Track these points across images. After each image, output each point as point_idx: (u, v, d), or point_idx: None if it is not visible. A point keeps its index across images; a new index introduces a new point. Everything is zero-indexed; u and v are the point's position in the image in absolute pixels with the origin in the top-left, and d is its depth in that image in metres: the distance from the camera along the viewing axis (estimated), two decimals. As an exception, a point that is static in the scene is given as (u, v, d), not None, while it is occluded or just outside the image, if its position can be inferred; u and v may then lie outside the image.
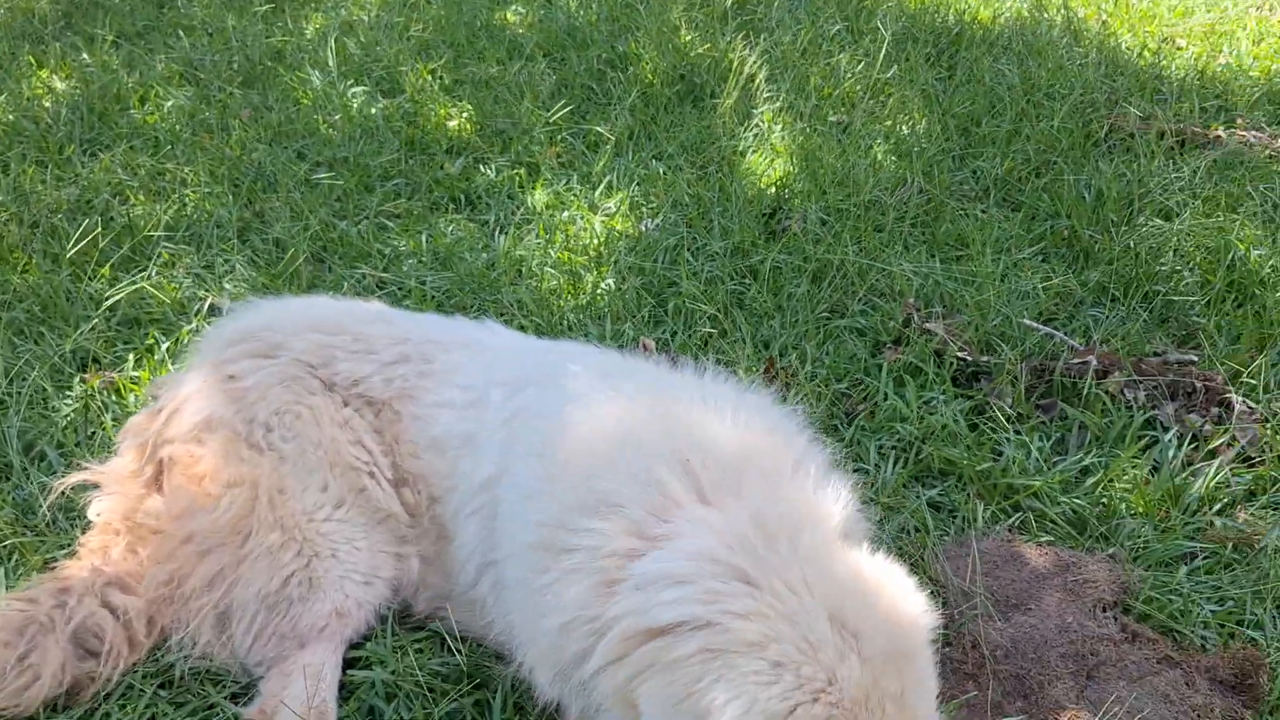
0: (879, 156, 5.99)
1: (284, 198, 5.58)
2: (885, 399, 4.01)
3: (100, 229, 5.10)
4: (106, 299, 4.63)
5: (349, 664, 3.01)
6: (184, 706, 2.90)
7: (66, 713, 2.87)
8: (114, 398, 4.13)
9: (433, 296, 4.78)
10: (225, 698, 2.93)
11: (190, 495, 3.13)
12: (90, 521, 3.35)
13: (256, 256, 5.17)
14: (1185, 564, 3.32)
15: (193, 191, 5.68)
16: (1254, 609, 3.12)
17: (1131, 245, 5.00)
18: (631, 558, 2.28)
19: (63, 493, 3.40)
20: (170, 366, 4.28)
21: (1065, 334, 4.40)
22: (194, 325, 4.58)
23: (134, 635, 3.01)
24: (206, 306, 4.70)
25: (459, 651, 2.96)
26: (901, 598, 2.24)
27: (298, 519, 3.07)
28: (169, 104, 6.73)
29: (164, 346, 4.35)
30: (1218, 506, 3.53)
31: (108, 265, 4.92)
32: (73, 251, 4.90)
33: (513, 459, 2.75)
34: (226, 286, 4.94)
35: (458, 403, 3.08)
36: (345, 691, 2.96)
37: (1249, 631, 3.06)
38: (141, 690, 2.91)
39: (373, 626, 3.08)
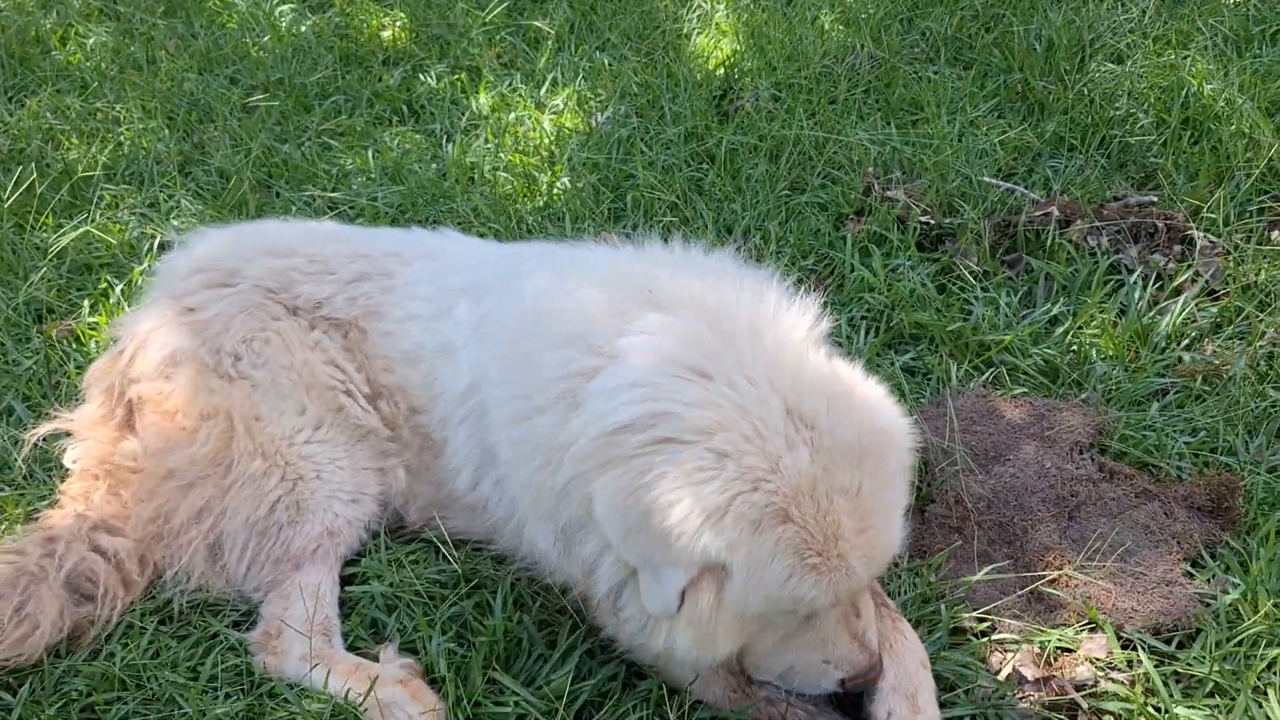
0: (826, 26, 5.88)
1: (221, 126, 5.42)
2: (852, 271, 4.00)
3: (37, 176, 4.94)
4: (53, 247, 4.51)
5: (346, 580, 3.04)
6: (187, 639, 2.91)
7: (71, 657, 2.87)
8: (74, 346, 4.06)
9: (385, 212, 4.69)
10: (227, 626, 2.95)
11: (165, 431, 3.11)
12: (67, 470, 3.32)
13: (201, 189, 5.04)
14: (1157, 400, 3.38)
15: (127, 129, 5.51)
16: (1226, 436, 3.18)
17: (1085, 92, 4.97)
18: (592, 375, 2.29)
19: (35, 444, 3.36)
20: (126, 309, 4.20)
21: (1025, 188, 4.40)
22: (146, 265, 4.48)
23: (127, 575, 3.01)
24: (156, 245, 4.59)
25: (454, 559, 2.98)
26: (872, 402, 2.25)
27: (278, 444, 3.05)
28: (91, 42, 6.48)
29: (118, 289, 4.26)
30: (1185, 342, 3.59)
31: (49, 213, 4.78)
32: (11, 201, 4.75)
33: (486, 364, 2.74)
34: (173, 223, 4.82)
35: (424, 314, 3.05)
36: (345, 607, 2.98)
37: (1222, 458, 3.13)
38: (143, 628, 2.92)
39: (365, 543, 3.09)
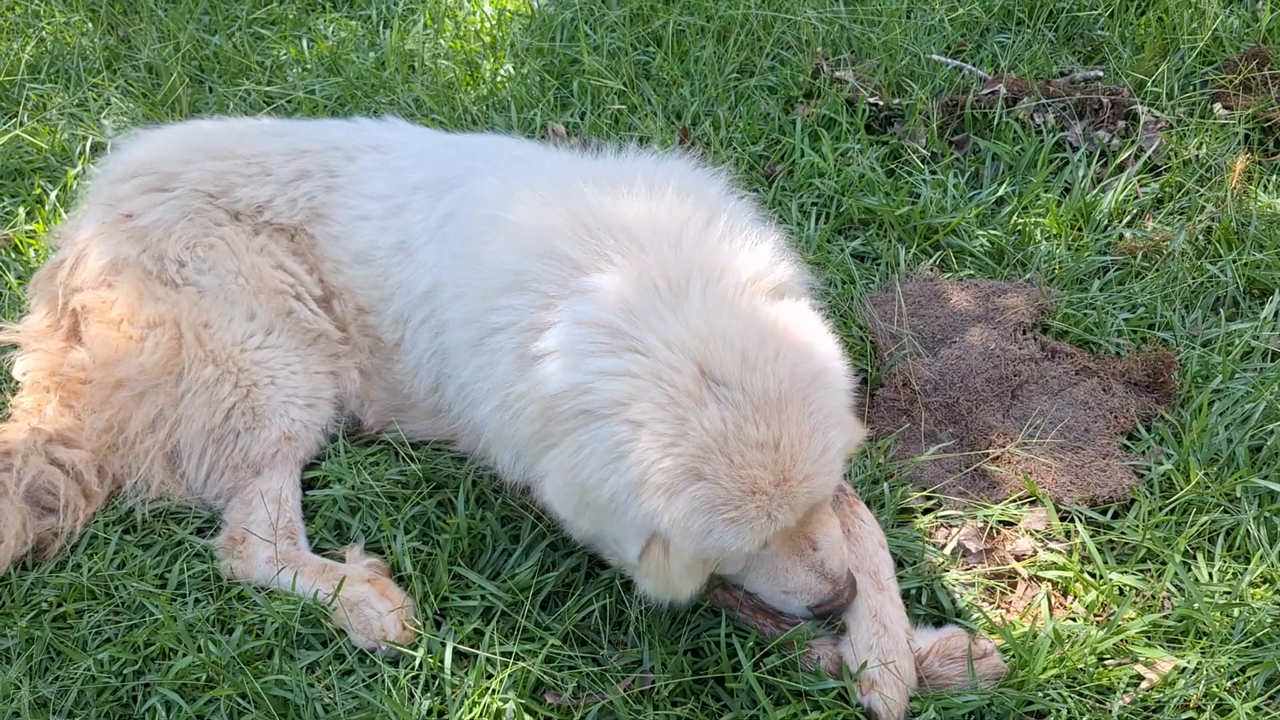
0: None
1: (147, 18, 5.19)
2: (802, 156, 3.99)
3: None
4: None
5: (308, 485, 3.07)
6: (152, 547, 2.94)
7: (37, 569, 2.90)
8: (13, 255, 3.95)
9: (325, 105, 4.56)
10: (191, 533, 2.98)
11: (112, 341, 3.07)
12: (17, 383, 3.28)
13: (131, 86, 4.86)
14: (1099, 278, 3.45)
15: (48, 24, 5.25)
16: (1164, 312, 3.27)
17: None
18: (541, 330, 2.30)
19: (-16, 359, 3.31)
20: (64, 215, 4.09)
21: (973, 65, 4.36)
22: (80, 169, 4.34)
23: (87, 486, 3.02)
24: (89, 147, 4.45)
25: (413, 459, 3.02)
26: (801, 347, 2.21)
27: (229, 350, 3.04)
28: (-2, -74, 6.10)
29: (53, 195, 4.13)
30: (1127, 219, 3.64)
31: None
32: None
33: (443, 266, 2.72)
34: (105, 122, 4.66)
35: (375, 213, 3.00)
36: (308, 511, 3.02)
37: (1160, 334, 3.22)
38: (107, 539, 2.94)
39: (324, 446, 3.12)
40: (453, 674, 2.50)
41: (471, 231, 2.64)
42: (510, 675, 2.44)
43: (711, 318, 2.18)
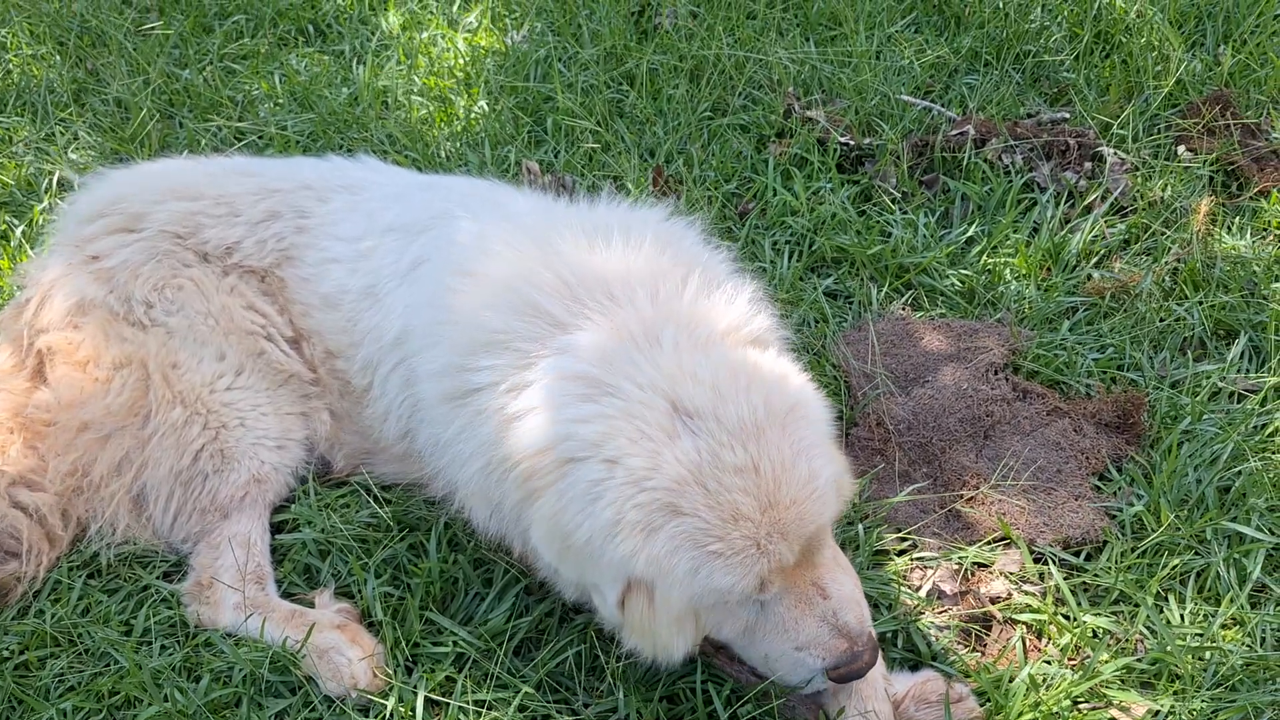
0: (743, -63, 5.76)
1: (116, 51, 5.16)
2: (774, 194, 4.01)
3: (-82, 109, 4.68)
4: (-57, 186, 4.30)
5: (276, 528, 3.03)
6: (117, 593, 2.88)
7: (-2, 616, 2.84)
8: (-25, 291, 3.89)
9: (296, 141, 4.55)
10: (157, 578, 2.92)
11: (78, 383, 3.03)
12: (-22, 424, 3.22)
13: (99, 120, 4.81)
14: (1068, 319, 3.49)
15: (14, 56, 5.21)
16: (1132, 352, 3.31)
17: (1000, 6, 4.98)
18: (522, 390, 2.27)
19: (-58, 399, 3.24)
20: (30, 252, 4.03)
21: (942, 106, 4.42)
22: (45, 204, 4.29)
23: (51, 531, 2.96)
24: (55, 181, 4.40)
25: (386, 502, 2.98)
26: (775, 380, 2.19)
27: (198, 391, 2.99)
28: (-35, -42, 6.05)
29: (18, 231, 4.08)
30: (1095, 260, 3.69)
31: (-66, 149, 4.54)
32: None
33: (414, 313, 2.70)
34: (72, 156, 4.61)
35: (345, 256, 2.98)
36: (277, 555, 2.98)
37: (1129, 374, 3.26)
38: (71, 584, 2.88)
39: (293, 489, 3.07)
40: (424, 723, 2.46)
41: (446, 281, 2.59)
42: (483, 725, 2.41)
43: (683, 359, 2.16)
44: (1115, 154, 4.01)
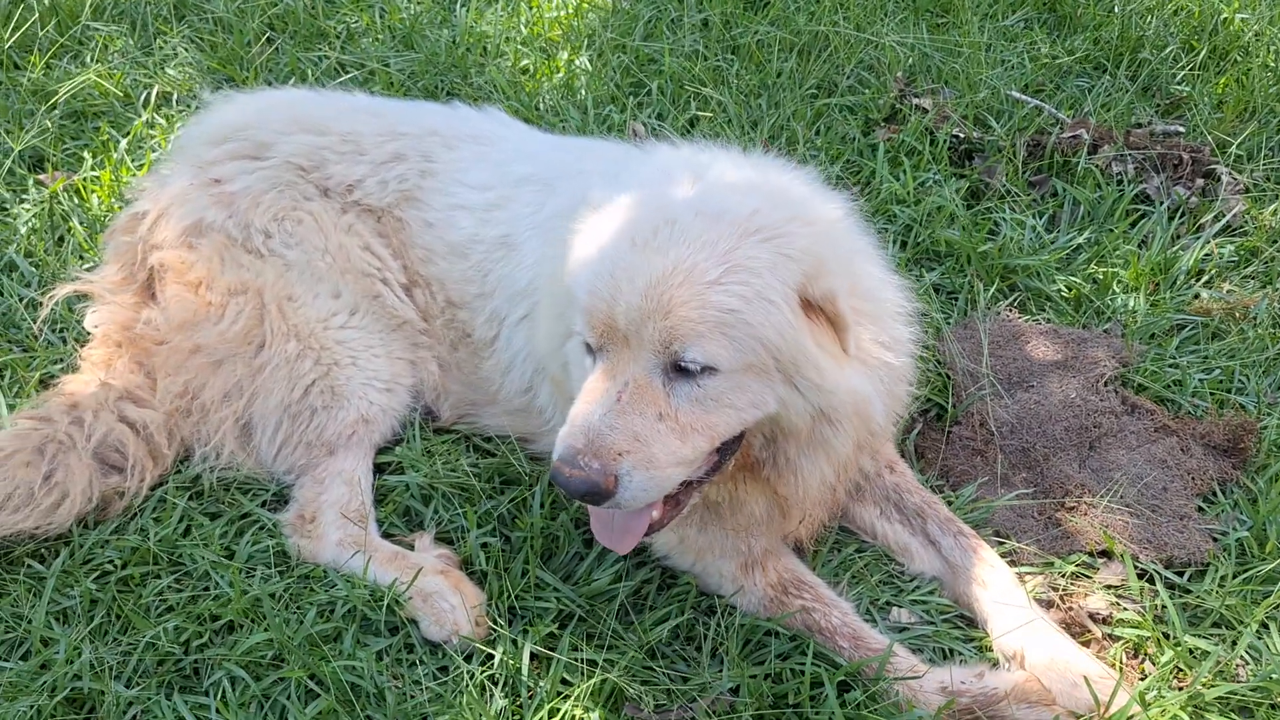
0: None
1: (220, -31, 5.11)
2: (882, 181, 3.97)
3: (24, 11, 4.65)
4: (56, 94, 4.28)
5: (379, 469, 3.04)
6: (220, 517, 2.91)
7: (98, 529, 2.86)
8: (76, 201, 3.89)
9: (399, 82, 4.51)
10: (259, 505, 2.95)
11: (189, 304, 3.03)
12: (82, 335, 3.24)
13: (199, 37, 4.79)
14: (1175, 336, 3.46)
15: (117, -35, 5.17)
16: (1242, 376, 3.28)
17: (1114, 9, 4.89)
18: None
19: (52, 307, 3.26)
20: (130, 165, 4.03)
21: (1052, 107, 4.36)
22: (146, 117, 4.28)
23: (156, 449, 2.98)
24: (154, 95, 4.39)
25: (488, 454, 2.99)
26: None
27: (312, 326, 3.00)
28: None
29: (122, 144, 4.07)
30: (1204, 279, 3.65)
31: (34, 51, 4.52)
32: (12, 41, 4.47)
33: (544, 262, 2.69)
34: (170, 72, 4.59)
35: (475, 204, 2.97)
36: (378, 495, 2.99)
37: (1238, 398, 3.23)
38: (175, 503, 2.91)
39: (398, 433, 3.09)
40: (527, 676, 2.48)
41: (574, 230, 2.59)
42: (592, 685, 2.42)
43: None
44: (1229, 174, 3.95)
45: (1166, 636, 2.63)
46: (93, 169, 3.99)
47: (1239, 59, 4.58)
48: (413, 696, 2.46)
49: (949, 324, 3.46)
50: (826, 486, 2.43)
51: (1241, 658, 2.58)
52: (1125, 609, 2.70)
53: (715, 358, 2.07)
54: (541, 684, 2.46)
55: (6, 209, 3.84)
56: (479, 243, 2.93)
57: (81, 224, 3.77)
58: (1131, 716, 2.38)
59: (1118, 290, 3.58)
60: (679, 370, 2.09)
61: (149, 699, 2.47)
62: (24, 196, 3.91)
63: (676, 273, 2.06)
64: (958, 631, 2.68)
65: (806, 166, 2.75)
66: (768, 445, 2.30)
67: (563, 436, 2.07)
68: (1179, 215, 3.86)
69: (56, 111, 4.27)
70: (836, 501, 2.73)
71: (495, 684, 2.48)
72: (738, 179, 2.32)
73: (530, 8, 5.00)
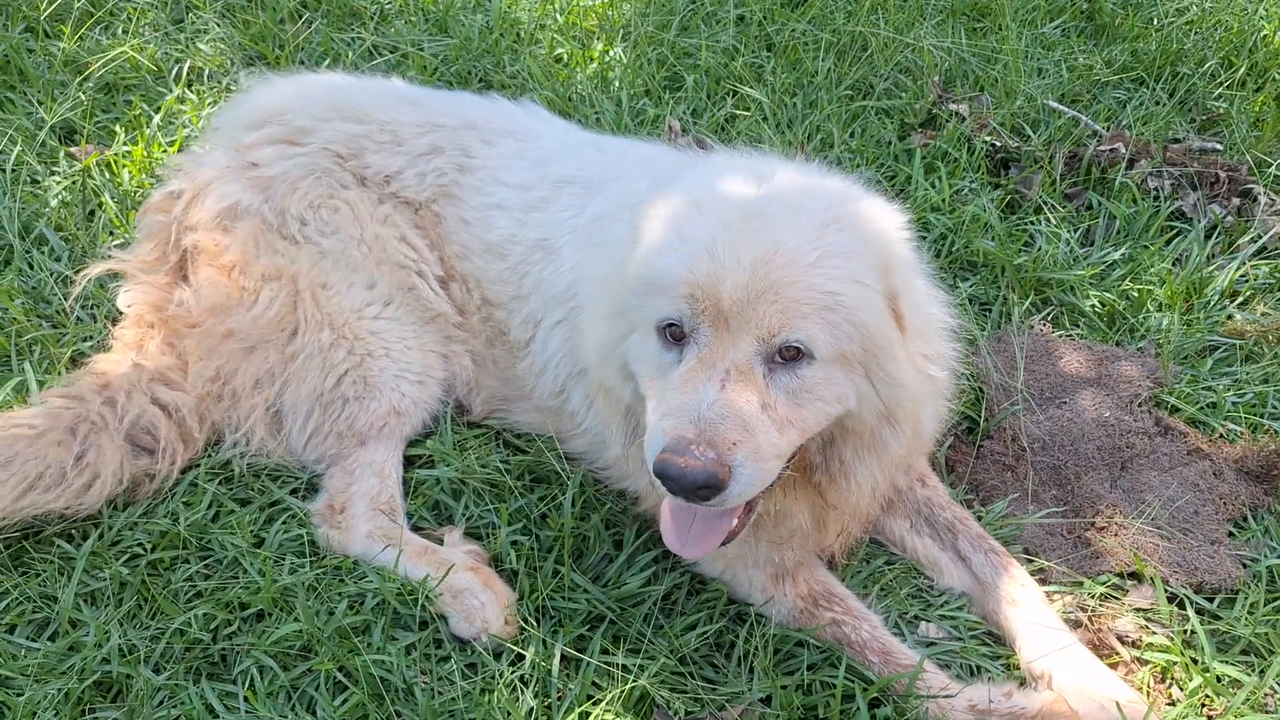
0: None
1: (253, -56, 5.07)
2: (917, 188, 3.95)
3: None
4: (88, 65, 4.25)
5: (409, 462, 3.03)
6: (249, 504, 2.91)
7: (128, 510, 2.86)
8: (108, 175, 3.87)
9: (432, 66, 4.48)
10: (288, 493, 2.94)
11: (223, 288, 3.02)
12: (113, 313, 3.23)
13: (230, 14, 4.75)
14: (1209, 356, 3.44)
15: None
16: (1275, 400, 3.26)
17: (1153, 21, 4.86)
18: None
19: (84, 284, 3.24)
20: (162, 141, 4.01)
21: (1089, 118, 4.33)
22: (178, 92, 4.25)
23: (187, 432, 2.97)
24: (186, 70, 4.36)
25: (520, 450, 2.98)
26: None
27: (346, 316, 2.99)
28: None
29: (155, 120, 4.05)
30: (1239, 300, 3.63)
31: (68, 23, 4.48)
32: (47, 12, 4.44)
33: (587, 262, 2.67)
34: (201, 47, 4.56)
35: (513, 204, 2.95)
36: (407, 488, 2.99)
37: (1271, 423, 3.21)
38: (205, 488, 2.90)
39: (429, 426, 3.08)
40: (557, 678, 2.48)
41: (620, 231, 2.57)
42: (623, 691, 2.42)
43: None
44: (1268, 194, 3.93)
45: (1195, 662, 2.63)
46: (124, 144, 3.97)
47: (1278, 77, 4.54)
48: (442, 693, 2.46)
49: (984, 336, 3.44)
50: (875, 497, 2.42)
51: (1271, 687, 2.58)
52: (1154, 633, 2.70)
53: (815, 343, 2.06)
54: (571, 686, 2.46)
55: (38, 181, 3.81)
56: (516, 244, 2.91)
57: (113, 199, 3.75)
58: (1161, 743, 2.39)
59: (1151, 309, 3.57)
60: (779, 359, 2.07)
61: (177, 685, 2.47)
62: (54, 169, 3.88)
63: (780, 254, 2.05)
64: (985, 648, 2.68)
65: (854, 176, 2.72)
66: (824, 448, 2.30)
67: (666, 428, 1.97)
68: (1215, 234, 3.84)
69: (90, 84, 4.24)
70: (870, 516, 2.72)
71: (525, 684, 2.48)
72: (804, 182, 2.31)
73: (565, -4, 4.97)
